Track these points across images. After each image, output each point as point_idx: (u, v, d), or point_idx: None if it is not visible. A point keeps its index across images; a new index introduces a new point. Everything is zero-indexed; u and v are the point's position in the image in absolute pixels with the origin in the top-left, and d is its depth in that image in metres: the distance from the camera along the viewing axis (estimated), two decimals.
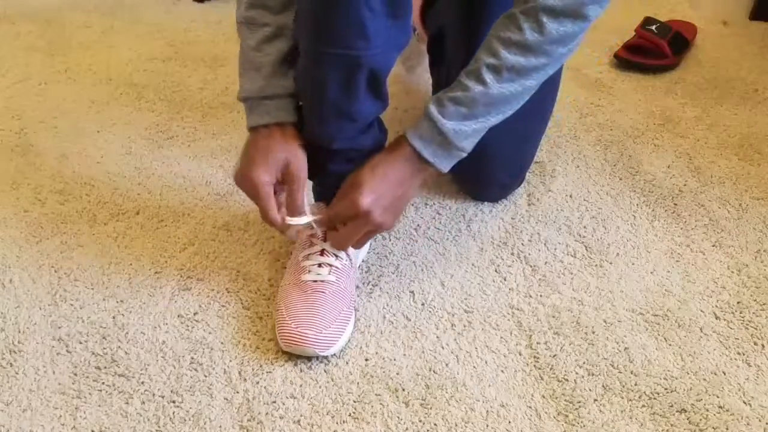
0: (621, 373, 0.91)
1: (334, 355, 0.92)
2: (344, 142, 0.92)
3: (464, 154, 0.90)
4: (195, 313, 0.97)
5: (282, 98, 0.89)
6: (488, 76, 0.86)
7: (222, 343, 0.93)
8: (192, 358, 0.91)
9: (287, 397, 0.87)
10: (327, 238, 0.95)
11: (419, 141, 0.88)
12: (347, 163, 0.95)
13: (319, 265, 0.95)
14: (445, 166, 0.90)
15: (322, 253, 0.95)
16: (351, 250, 0.98)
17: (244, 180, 0.89)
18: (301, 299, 0.93)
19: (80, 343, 0.93)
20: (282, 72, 0.88)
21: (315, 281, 0.94)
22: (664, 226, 1.13)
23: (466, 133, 0.88)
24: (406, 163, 0.89)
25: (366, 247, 1.02)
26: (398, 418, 0.85)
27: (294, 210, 0.90)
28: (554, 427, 0.85)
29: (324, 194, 1.01)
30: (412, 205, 1.16)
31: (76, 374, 0.89)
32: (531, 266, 1.06)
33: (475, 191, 1.18)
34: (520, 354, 0.93)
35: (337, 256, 0.96)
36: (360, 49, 0.81)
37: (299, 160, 0.89)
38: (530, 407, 0.87)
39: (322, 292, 0.93)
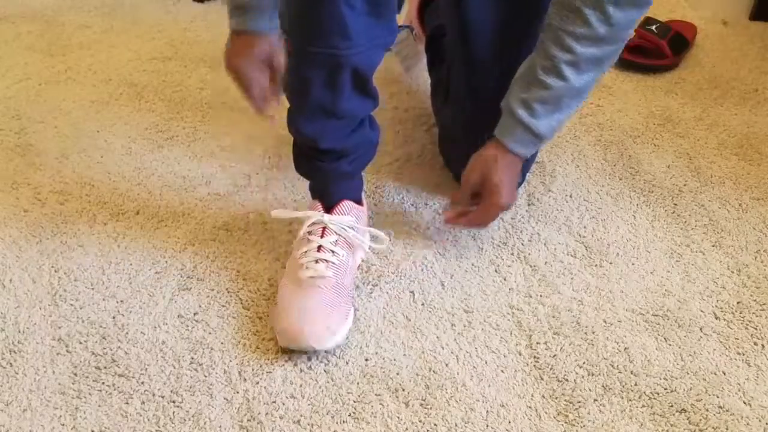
0: (621, 373, 0.91)
1: (334, 355, 0.92)
2: (333, 141, 0.92)
3: None
4: (195, 313, 0.97)
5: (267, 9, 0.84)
6: (568, 71, 0.91)
7: (222, 343, 0.93)
8: (192, 358, 0.91)
9: (287, 397, 0.87)
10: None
11: (520, 146, 0.97)
12: (338, 162, 0.95)
13: (316, 261, 0.95)
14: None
15: (319, 249, 0.96)
16: (352, 249, 0.98)
17: (230, 68, 0.88)
18: (299, 295, 0.93)
19: (80, 343, 0.93)
20: None
21: (312, 277, 0.94)
22: (664, 226, 1.13)
23: (555, 126, 0.97)
24: (511, 164, 0.99)
25: (365, 247, 1.02)
26: (398, 418, 0.85)
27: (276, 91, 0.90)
28: (554, 427, 0.85)
29: (317, 191, 1.01)
30: (412, 205, 1.16)
31: (76, 374, 0.89)
32: (531, 266, 1.06)
33: None
34: (520, 354, 0.93)
35: (333, 252, 0.96)
36: (342, 48, 0.81)
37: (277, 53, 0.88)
38: (530, 407, 0.87)
39: (320, 287, 0.93)
